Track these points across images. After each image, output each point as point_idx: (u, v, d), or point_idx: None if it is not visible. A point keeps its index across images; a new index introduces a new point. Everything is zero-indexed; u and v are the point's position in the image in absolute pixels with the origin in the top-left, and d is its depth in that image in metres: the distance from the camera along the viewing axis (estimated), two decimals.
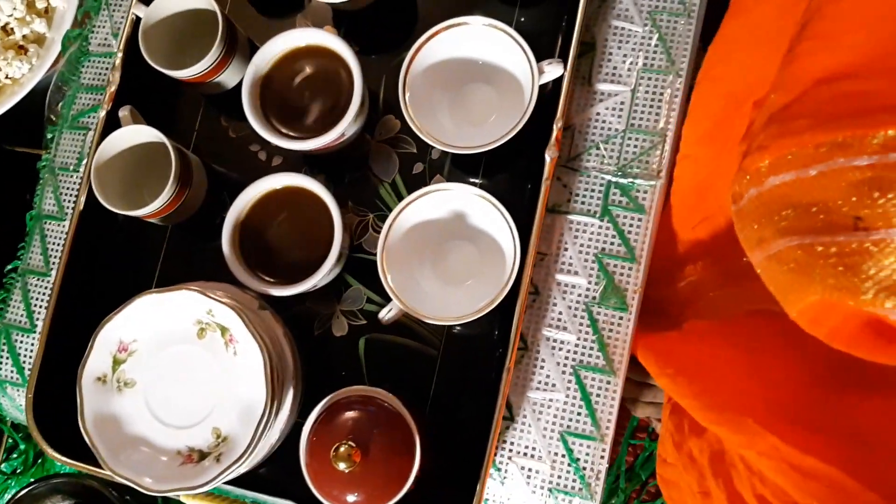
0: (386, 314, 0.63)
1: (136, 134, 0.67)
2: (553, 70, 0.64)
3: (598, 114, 0.69)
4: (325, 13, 0.73)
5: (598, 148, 0.68)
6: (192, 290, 0.62)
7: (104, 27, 0.79)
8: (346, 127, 0.64)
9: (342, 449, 0.55)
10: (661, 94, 0.67)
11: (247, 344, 0.61)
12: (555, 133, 0.64)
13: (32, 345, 0.74)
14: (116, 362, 0.63)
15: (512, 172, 0.69)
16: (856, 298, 0.39)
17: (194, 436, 0.61)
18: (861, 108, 0.40)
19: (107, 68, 0.78)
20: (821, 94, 0.43)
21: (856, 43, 0.43)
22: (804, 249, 0.42)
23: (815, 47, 0.45)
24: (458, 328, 0.67)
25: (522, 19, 0.71)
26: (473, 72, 0.67)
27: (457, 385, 0.66)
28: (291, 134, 0.66)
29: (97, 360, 0.62)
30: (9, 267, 0.77)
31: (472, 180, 0.69)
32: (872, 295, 0.39)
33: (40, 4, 0.83)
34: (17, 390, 0.74)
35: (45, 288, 0.75)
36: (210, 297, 0.61)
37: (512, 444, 0.66)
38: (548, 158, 0.64)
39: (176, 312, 0.62)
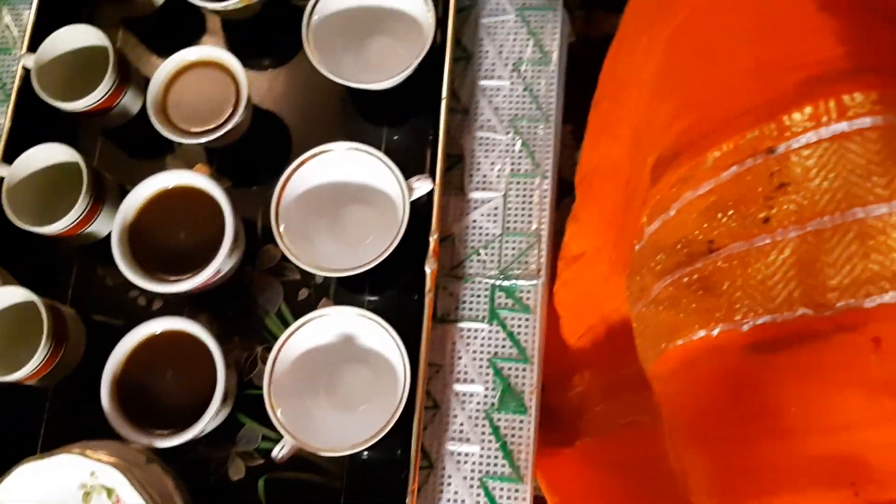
0: (279, 452, 0.61)
1: (4, 295, 0.65)
2: (422, 186, 0.65)
3: (474, 221, 0.70)
4: (196, 151, 0.73)
5: (478, 254, 0.69)
6: (72, 454, 0.59)
7: None
8: (221, 263, 0.63)
9: None
10: (531, 196, 0.70)
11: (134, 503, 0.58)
12: (431, 245, 0.65)
13: None
14: None
15: (398, 287, 0.69)
16: (713, 319, 0.40)
17: None
18: (688, 142, 0.43)
19: None
20: (666, 140, 0.46)
21: (674, 90, 0.46)
22: (674, 285, 0.43)
23: (657, 103, 0.49)
24: (361, 455, 0.65)
25: (394, 137, 0.73)
26: (348, 194, 0.68)
27: None
28: (166, 277, 0.65)
29: None
30: None
31: (360, 298, 0.69)
32: (725, 312, 0.39)
33: None
34: None
35: None
36: (91, 459, 0.58)
37: None
38: (428, 271, 0.65)
39: (58, 478, 0.59)
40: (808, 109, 0.37)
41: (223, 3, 0.70)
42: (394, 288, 0.69)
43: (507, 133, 0.72)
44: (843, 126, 0.36)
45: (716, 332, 0.40)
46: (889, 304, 0.34)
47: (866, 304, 0.35)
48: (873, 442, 0.35)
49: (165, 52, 0.72)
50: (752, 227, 0.39)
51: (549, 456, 0.68)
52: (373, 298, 0.69)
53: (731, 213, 0.40)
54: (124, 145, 0.75)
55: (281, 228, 0.64)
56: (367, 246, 0.67)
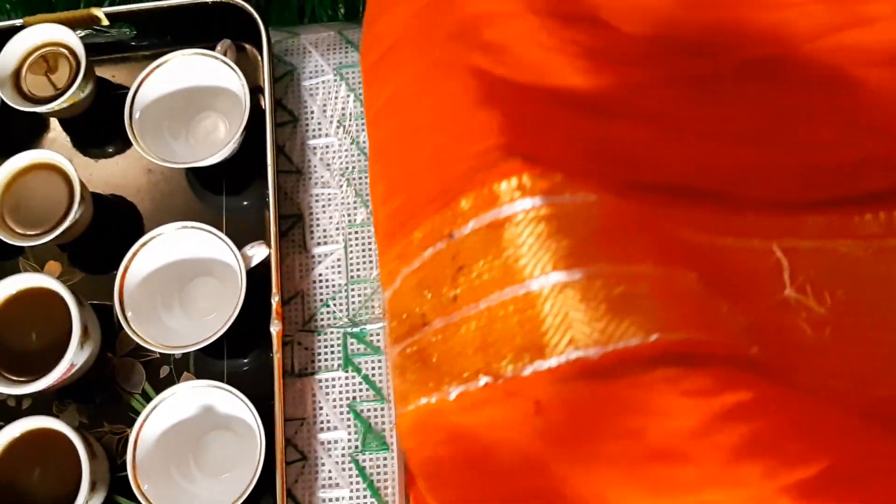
0: None
1: None
2: (258, 252, 0.69)
3: (320, 275, 0.74)
4: (47, 248, 0.76)
5: (327, 305, 0.73)
6: None
7: None
8: (73, 357, 0.66)
9: None
10: (370, 244, 0.73)
11: None
12: (274, 307, 0.69)
13: None
14: None
15: (255, 349, 0.72)
16: (428, 389, 0.44)
17: None
18: (399, 222, 0.47)
19: None
20: (383, 217, 0.50)
21: (383, 170, 0.51)
22: (401, 355, 0.47)
23: (374, 179, 0.53)
24: None
25: (238, 205, 0.76)
26: (191, 270, 0.71)
27: None
28: (23, 379, 0.67)
29: None
30: None
31: (222, 364, 0.72)
32: (435, 382, 0.44)
33: None
34: None
35: None
36: None
37: None
38: (273, 332, 0.68)
39: None
40: (470, 197, 0.42)
41: (49, 106, 0.73)
42: (250, 350, 0.72)
43: (341, 186, 0.76)
44: (494, 213, 0.41)
45: (434, 399, 0.44)
46: (539, 371, 0.39)
47: (523, 372, 0.40)
48: None
49: (5, 154, 0.74)
50: (448, 305, 0.43)
51: None
52: (232, 363, 0.72)
53: (432, 290, 0.44)
54: None
55: (128, 315, 0.67)
56: (216, 317, 0.70)
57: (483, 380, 0.41)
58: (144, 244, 0.68)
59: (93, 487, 0.64)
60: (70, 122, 0.79)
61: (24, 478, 0.66)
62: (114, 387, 0.72)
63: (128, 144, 0.78)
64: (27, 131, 0.80)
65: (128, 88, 0.78)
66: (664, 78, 0.45)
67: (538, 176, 0.39)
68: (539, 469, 0.39)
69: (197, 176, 0.77)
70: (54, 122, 0.80)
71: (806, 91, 0.46)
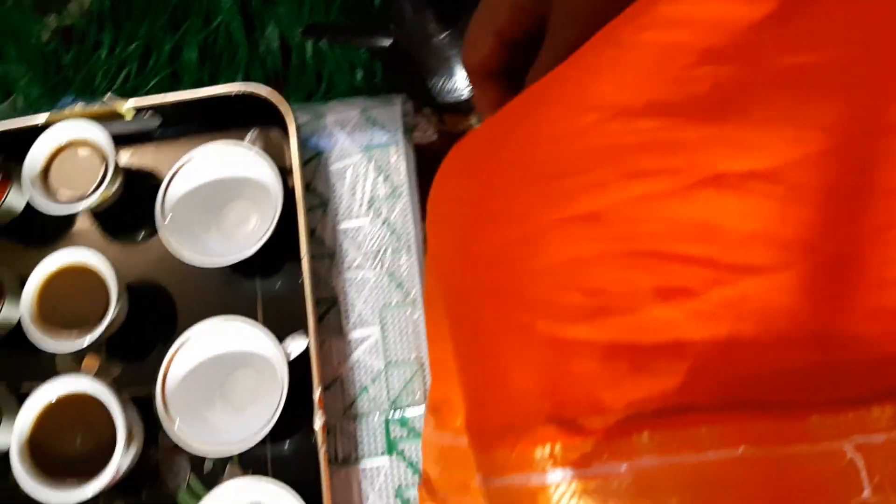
0: None
1: None
2: (297, 345, 0.69)
3: (358, 359, 0.74)
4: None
5: (367, 391, 0.73)
6: None
7: None
8: (120, 461, 0.66)
9: None
10: (406, 326, 0.74)
11: None
12: (316, 401, 0.69)
13: None
14: None
15: (299, 439, 0.72)
16: None
17: None
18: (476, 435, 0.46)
19: None
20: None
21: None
22: None
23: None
24: None
25: (274, 293, 0.76)
26: (232, 363, 0.71)
27: None
28: (71, 485, 0.67)
29: None
30: None
31: (266, 457, 0.72)
32: None
33: None
34: None
35: None
36: None
37: None
38: (317, 426, 0.68)
39: None
40: (501, 454, 0.40)
41: (81, 205, 0.73)
42: (294, 441, 0.72)
43: (374, 268, 0.76)
44: (524, 478, 0.39)
45: None
46: None
47: None
48: None
49: (37, 251, 0.74)
50: None
51: None
52: (276, 455, 0.72)
53: None
54: (8, 355, 0.77)
55: (170, 413, 0.67)
56: (258, 410, 0.70)
57: None
58: (183, 343, 0.69)
59: None
60: (101, 215, 0.80)
61: None
62: (158, 482, 0.72)
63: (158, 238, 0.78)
64: (58, 227, 0.80)
65: (156, 175, 0.79)
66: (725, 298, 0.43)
67: (571, 446, 0.37)
68: None
69: (232, 267, 0.77)
70: (83, 216, 0.80)
71: None
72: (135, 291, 0.77)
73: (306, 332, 0.70)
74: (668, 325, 0.40)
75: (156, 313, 0.77)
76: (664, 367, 0.39)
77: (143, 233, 0.79)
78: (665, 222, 0.41)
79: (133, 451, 0.69)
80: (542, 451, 0.39)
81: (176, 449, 0.72)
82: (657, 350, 0.39)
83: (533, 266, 0.42)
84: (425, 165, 0.81)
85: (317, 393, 0.69)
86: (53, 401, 0.69)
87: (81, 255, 0.72)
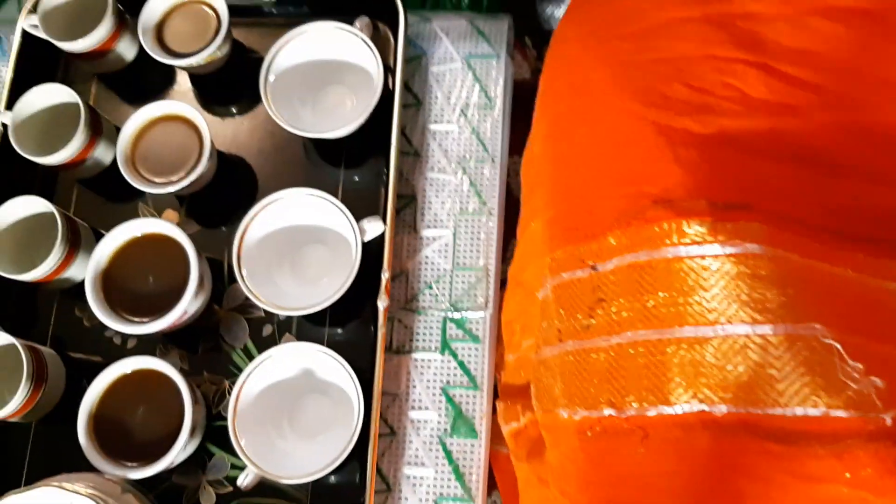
0: (243, 480, 0.65)
1: None
2: (374, 227, 0.70)
3: (426, 257, 0.75)
4: (167, 197, 0.78)
5: (430, 288, 0.74)
6: (51, 486, 0.63)
7: None
8: (188, 305, 0.68)
9: None
10: (479, 233, 0.74)
11: None
12: (383, 283, 0.70)
13: None
14: None
15: (356, 319, 0.74)
16: (562, 405, 0.45)
17: None
18: (549, 235, 0.48)
19: None
20: (539, 226, 0.51)
21: (543, 184, 0.51)
22: (555, 359, 0.48)
23: (538, 188, 0.54)
24: (325, 479, 0.70)
25: (354, 179, 0.78)
26: (307, 236, 0.73)
27: None
28: (137, 319, 0.69)
29: None
30: None
31: (324, 331, 0.73)
32: (567, 401, 0.44)
33: None
34: None
35: None
36: (69, 490, 0.63)
37: None
38: (380, 307, 0.70)
39: None
40: (618, 235, 0.42)
41: (188, 61, 0.75)
42: (352, 322, 0.74)
43: (456, 174, 0.77)
44: (637, 255, 0.42)
45: (565, 414, 0.45)
46: (663, 415, 0.40)
47: (648, 412, 0.41)
48: None
49: (137, 104, 0.77)
50: (581, 331, 0.44)
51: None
52: (333, 331, 0.73)
53: (567, 311, 0.45)
54: (99, 194, 0.80)
55: (244, 272, 0.69)
56: (324, 284, 0.72)
57: (606, 410, 0.42)
58: (267, 205, 0.70)
59: (192, 432, 0.66)
60: (202, 78, 0.82)
61: (128, 415, 0.69)
62: (217, 339, 0.74)
63: (253, 107, 0.80)
64: (159, 83, 0.82)
65: (260, 53, 0.80)
66: (834, 123, 0.44)
67: (717, 222, 0.39)
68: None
69: (317, 146, 0.79)
70: (184, 77, 0.83)
71: None
72: (223, 158, 0.79)
73: (383, 219, 0.71)
74: (774, 137, 0.42)
75: (238, 183, 0.79)
76: (771, 173, 0.40)
77: (239, 105, 0.81)
78: (777, 41, 0.43)
79: (201, 300, 0.71)
80: (652, 231, 0.41)
81: (238, 311, 0.75)
82: (763, 155, 0.41)
83: (644, 59, 0.44)
84: (517, 99, 0.82)
85: (385, 276, 0.70)
86: (132, 237, 0.71)
87: (181, 107, 0.74)
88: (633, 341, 0.42)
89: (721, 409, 0.38)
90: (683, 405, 0.40)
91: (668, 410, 0.40)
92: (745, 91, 0.43)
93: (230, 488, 0.70)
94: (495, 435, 0.71)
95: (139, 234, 0.71)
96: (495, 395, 0.71)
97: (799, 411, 0.36)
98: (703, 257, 0.39)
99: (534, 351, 0.53)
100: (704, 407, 0.39)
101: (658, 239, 0.41)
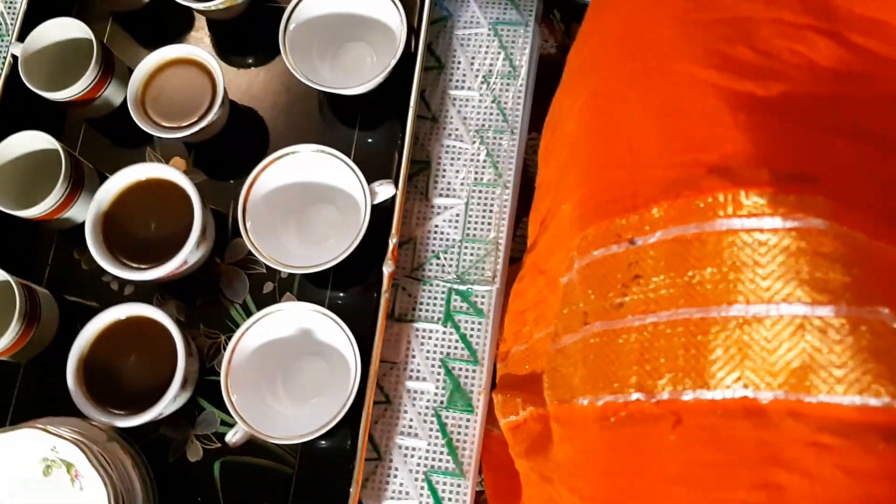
0: (233, 437, 0.64)
1: None
2: (385, 190, 0.68)
3: (436, 226, 0.73)
4: (174, 144, 0.76)
5: (438, 258, 0.72)
6: (35, 428, 0.62)
7: None
8: (188, 255, 0.66)
9: None
10: (492, 205, 0.72)
11: (91, 479, 0.61)
12: (390, 248, 0.68)
13: None
14: None
15: (359, 284, 0.72)
16: (582, 391, 0.43)
17: None
18: (577, 215, 0.45)
19: None
20: (573, 204, 0.48)
21: (581, 157, 0.49)
22: (573, 347, 0.46)
23: (572, 162, 0.51)
24: (314, 444, 0.68)
25: (368, 140, 0.76)
26: (314, 194, 0.71)
27: (313, 501, 0.67)
28: (135, 265, 0.68)
29: None
30: None
31: (323, 294, 0.72)
32: (590, 386, 0.42)
33: None
34: None
35: None
36: (52, 434, 0.61)
37: None
38: (385, 272, 0.68)
39: (21, 451, 0.62)
40: (663, 207, 0.40)
41: (207, 4, 0.73)
42: (354, 286, 0.72)
43: (474, 143, 0.74)
44: (686, 228, 0.39)
45: (586, 402, 0.43)
46: (700, 400, 0.37)
47: (683, 397, 0.38)
48: None
49: (151, 46, 0.74)
50: (611, 311, 0.42)
51: (510, 495, 0.71)
52: (334, 294, 0.72)
53: (596, 291, 0.43)
54: (106, 135, 0.78)
55: (248, 224, 0.67)
56: (330, 245, 0.70)
57: (634, 395, 0.39)
58: (277, 159, 0.68)
59: (184, 384, 0.65)
60: (220, 24, 0.79)
61: (120, 362, 0.67)
62: (216, 293, 0.72)
63: (270, 58, 0.78)
64: (176, 26, 0.80)
65: (281, 3, 0.78)
66: None
67: (779, 194, 0.37)
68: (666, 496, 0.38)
69: (332, 104, 0.76)
70: (202, 22, 0.80)
71: None
72: (235, 109, 0.76)
73: (395, 183, 0.69)
74: (840, 109, 0.39)
75: (249, 135, 0.77)
76: (836, 147, 0.38)
77: (256, 55, 0.79)
78: (849, 8, 0.40)
79: (202, 250, 0.69)
80: (705, 201, 0.38)
81: (239, 265, 0.73)
82: (828, 128, 0.38)
83: (706, 18, 0.42)
84: (540, 74, 0.79)
85: (393, 241, 0.68)
86: (137, 181, 0.69)
87: (196, 52, 0.72)
88: (672, 320, 0.39)
89: (767, 395, 0.36)
90: (725, 390, 0.37)
91: (706, 395, 0.37)
92: (813, 59, 0.40)
93: (218, 444, 0.68)
94: (489, 415, 0.69)
95: (144, 178, 0.69)
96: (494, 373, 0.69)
97: (858, 401, 0.34)
98: (760, 231, 0.37)
99: (550, 341, 0.51)
100: (748, 393, 0.36)
101: (711, 210, 0.38)
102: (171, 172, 0.68)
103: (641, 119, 0.44)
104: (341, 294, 0.72)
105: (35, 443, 0.62)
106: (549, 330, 0.53)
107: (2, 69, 0.75)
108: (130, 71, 0.76)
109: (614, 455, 0.41)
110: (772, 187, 0.37)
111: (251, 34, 0.79)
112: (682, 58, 0.42)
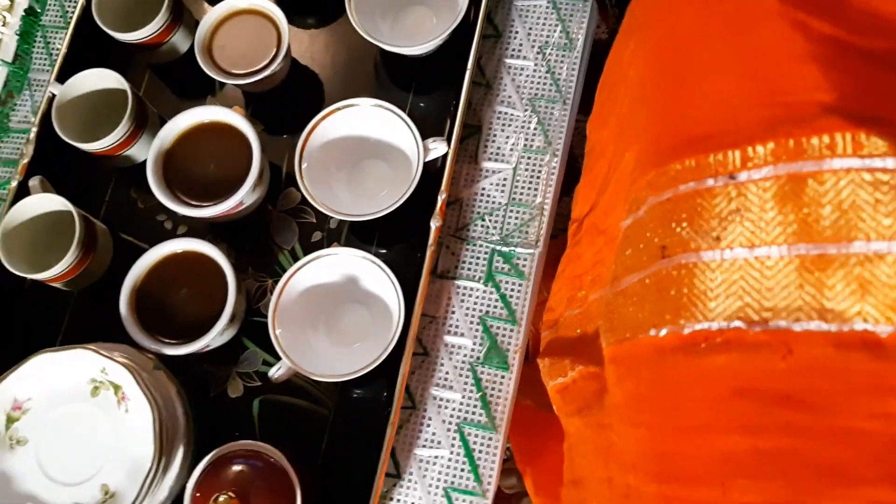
0: (276, 372, 0.66)
1: (43, 202, 0.71)
2: (438, 147, 0.70)
3: (483, 189, 0.75)
4: (235, 95, 0.79)
5: (483, 219, 0.74)
6: (86, 349, 0.64)
7: (25, 105, 0.83)
8: (245, 196, 0.68)
9: (221, 499, 0.57)
10: (539, 171, 0.74)
11: (138, 402, 0.63)
12: (439, 204, 0.70)
13: None
14: (10, 420, 0.64)
15: (404, 241, 0.74)
16: (663, 321, 0.43)
17: (83, 493, 0.62)
18: (656, 150, 0.47)
19: (24, 143, 0.81)
20: (642, 143, 0.49)
21: (652, 96, 0.50)
22: (638, 284, 0.47)
23: (637, 105, 0.53)
24: (351, 389, 0.70)
25: (420, 103, 0.78)
26: (368, 148, 0.73)
27: (348, 444, 0.69)
28: (193, 202, 0.70)
29: None
30: None
31: (368, 247, 0.74)
32: (672, 315, 0.43)
33: None
34: None
35: None
36: (103, 356, 0.63)
37: (398, 500, 0.68)
38: (432, 227, 0.69)
39: (70, 371, 0.64)
40: (770, 145, 0.41)
41: None
42: (400, 241, 0.74)
43: (525, 110, 0.76)
44: (802, 165, 0.40)
45: (663, 332, 0.44)
46: (814, 331, 0.38)
47: (795, 327, 0.39)
48: (749, 449, 0.40)
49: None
50: (703, 242, 0.42)
51: (537, 456, 0.72)
52: (380, 250, 0.73)
53: (684, 225, 0.43)
54: (169, 81, 0.81)
55: (303, 168, 0.69)
56: (380, 199, 0.72)
57: (734, 323, 0.40)
58: (337, 110, 0.70)
59: (232, 319, 0.67)
60: None
61: (171, 293, 0.69)
62: (266, 238, 0.74)
63: (332, 15, 0.80)
64: None
65: None
66: None
67: (882, 135, 0.38)
68: (772, 427, 0.39)
69: (389, 66, 0.78)
70: None
71: None
72: (294, 64, 0.79)
73: (446, 141, 0.71)
74: None
75: (307, 90, 0.79)
76: None
77: (316, 15, 0.81)
78: None
79: (258, 194, 0.71)
80: (821, 141, 0.39)
81: (290, 213, 0.75)
82: None
83: None
84: (591, 57, 0.80)
85: (441, 197, 0.70)
86: (199, 123, 0.71)
87: (264, 3, 0.74)
88: (783, 256, 0.40)
89: (886, 329, 0.37)
90: (842, 324, 0.38)
91: (822, 326, 0.38)
92: None
93: (259, 382, 0.70)
94: (521, 384, 0.70)
95: (206, 121, 0.71)
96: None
97: None
98: (883, 171, 0.38)
99: (607, 285, 0.52)
100: (868, 326, 0.37)
101: (829, 149, 0.39)
102: (233, 116, 0.71)
103: (728, 59, 0.45)
104: (386, 249, 0.74)
105: (85, 363, 0.64)
106: (604, 290, 0.54)
107: (75, 10, 0.78)
108: (196, 22, 0.78)
109: (697, 380, 0.42)
110: (892, 128, 0.38)
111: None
112: (786, 5, 0.43)
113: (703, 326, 0.42)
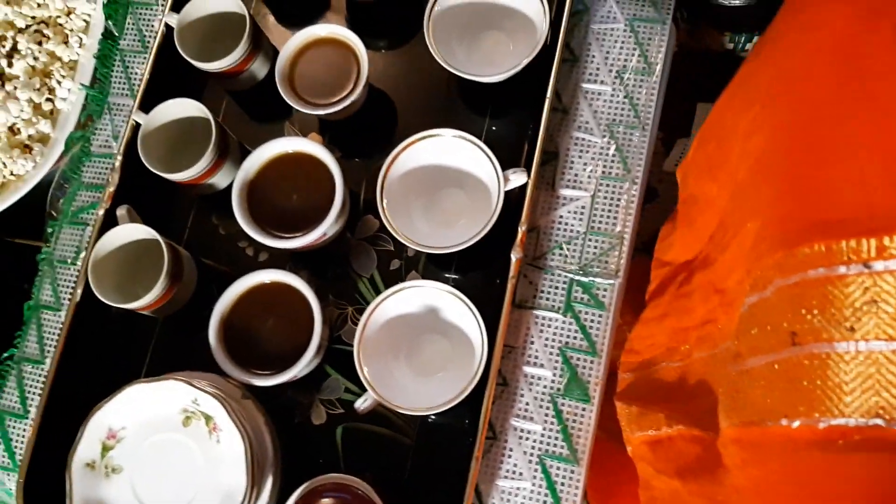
0: (362, 404, 0.67)
1: (131, 231, 0.72)
2: (517, 178, 0.70)
3: (561, 217, 0.74)
4: (311, 121, 0.79)
5: (561, 248, 0.74)
6: (178, 380, 0.66)
7: (105, 130, 0.85)
8: (328, 227, 0.69)
9: None
10: (619, 199, 0.73)
11: (229, 432, 0.64)
12: (520, 235, 0.70)
13: (24, 430, 0.77)
14: (105, 448, 0.67)
15: (482, 270, 0.74)
16: (797, 413, 0.43)
17: None
18: (783, 230, 0.46)
19: (107, 168, 0.83)
20: (767, 219, 0.48)
21: (781, 172, 0.49)
22: (767, 368, 0.46)
23: (761, 178, 0.51)
24: (432, 418, 0.71)
25: (494, 128, 0.77)
26: (446, 178, 0.73)
27: (429, 473, 0.70)
28: (277, 233, 0.71)
29: (87, 446, 0.66)
30: (5, 355, 0.80)
31: (445, 275, 0.74)
32: (806, 407, 0.42)
33: (46, 107, 0.89)
34: (8, 475, 0.77)
35: (40, 376, 0.78)
36: (195, 387, 0.65)
37: None
38: (513, 258, 0.70)
39: (163, 401, 0.66)
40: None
41: None
42: (478, 270, 0.74)
43: (603, 136, 0.75)
44: None
45: (796, 423, 0.43)
46: None
47: None
48: None
49: (292, 26, 0.78)
50: (836, 333, 0.41)
51: (611, 495, 0.72)
52: (457, 277, 0.74)
53: (815, 312, 0.42)
54: (247, 107, 0.82)
55: (384, 202, 0.70)
56: (458, 227, 0.72)
57: (873, 420, 0.39)
58: (419, 140, 0.70)
59: (318, 350, 0.68)
60: (362, 6, 0.82)
61: (258, 324, 0.71)
62: (346, 266, 0.75)
63: (408, 41, 0.80)
64: (316, 7, 0.83)
65: None
66: None
67: None
68: None
69: (465, 92, 0.78)
70: (341, 3, 0.83)
71: None
72: (370, 90, 0.79)
73: (526, 172, 0.70)
74: None
75: (383, 116, 0.79)
76: None
77: (392, 40, 0.81)
78: None
79: (340, 224, 0.72)
80: None
81: (369, 241, 0.75)
82: None
83: None
84: None
85: (521, 228, 0.70)
86: (282, 153, 0.72)
87: (344, 32, 0.75)
88: None
89: None
90: None
91: None
92: None
93: (341, 410, 0.72)
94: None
95: (290, 151, 0.72)
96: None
97: None
98: None
99: (729, 362, 0.51)
100: None
101: None
102: (315, 147, 0.71)
103: (866, 141, 0.44)
104: (463, 277, 0.74)
105: (178, 394, 0.66)
106: (715, 351, 0.53)
107: (155, 38, 0.79)
108: (274, 49, 0.79)
109: (833, 479, 0.41)
110: None
111: (390, 17, 0.81)
112: None
113: (840, 422, 0.41)
